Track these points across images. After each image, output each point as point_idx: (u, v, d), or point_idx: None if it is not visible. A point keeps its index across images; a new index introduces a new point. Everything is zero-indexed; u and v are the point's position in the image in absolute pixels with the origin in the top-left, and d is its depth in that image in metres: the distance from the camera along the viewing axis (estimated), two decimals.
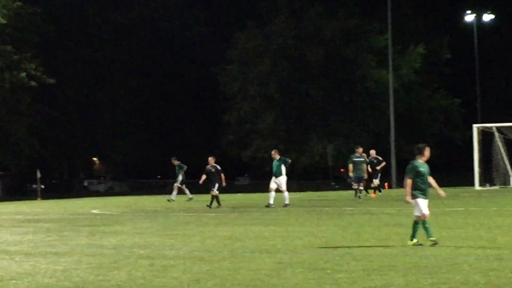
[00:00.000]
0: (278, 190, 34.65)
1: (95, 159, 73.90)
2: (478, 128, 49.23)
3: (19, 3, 60.71)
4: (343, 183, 67.49)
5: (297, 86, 71.11)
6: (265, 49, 70.13)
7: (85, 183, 72.50)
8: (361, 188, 38.44)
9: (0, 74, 59.67)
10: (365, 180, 39.82)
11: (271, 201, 33.38)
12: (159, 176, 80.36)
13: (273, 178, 34.21)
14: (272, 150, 48.05)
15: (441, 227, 19.23)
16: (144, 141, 73.94)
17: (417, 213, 13.60)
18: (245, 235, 19.05)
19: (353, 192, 40.33)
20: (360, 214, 27.71)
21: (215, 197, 34.41)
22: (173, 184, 42.32)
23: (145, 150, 75.69)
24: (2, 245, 17.72)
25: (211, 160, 35.83)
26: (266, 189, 47.91)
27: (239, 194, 45.97)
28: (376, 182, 39.68)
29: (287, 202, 33.75)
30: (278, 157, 34.63)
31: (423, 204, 13.42)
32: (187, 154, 60.24)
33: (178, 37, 79.57)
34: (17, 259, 14.02)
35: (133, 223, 25.38)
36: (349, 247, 15.12)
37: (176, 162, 40.91)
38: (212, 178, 34.83)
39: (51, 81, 60.18)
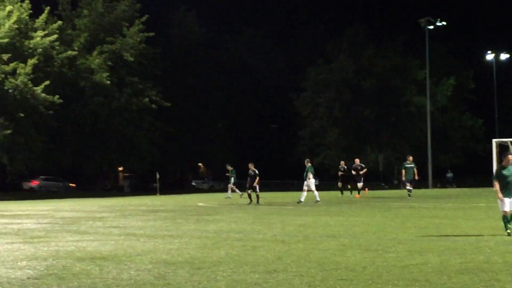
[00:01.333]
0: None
1: (200, 164, 75.02)
2: (496, 142, 47.78)
3: (144, 45, 63.11)
4: (391, 184, 68.83)
5: (355, 109, 75.56)
6: (331, 81, 73.90)
7: (193, 183, 72.93)
8: (411, 188, 37.44)
9: (129, 99, 62.34)
10: (353, 182, 39.83)
11: (302, 199, 32.63)
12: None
13: (305, 181, 34.13)
14: (340, 159, 51.59)
15: (468, 218, 20.11)
16: (236, 151, 74.76)
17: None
18: (315, 223, 19.28)
19: (403, 191, 41.71)
20: (404, 208, 27.61)
21: (256, 195, 33.29)
22: (231, 185, 40.84)
23: (237, 157, 77.54)
24: (130, 229, 18.42)
25: (250, 165, 34.80)
26: (331, 188, 51.53)
27: (309, 192, 44.40)
28: (360, 185, 38.30)
29: (317, 199, 32.99)
30: (309, 164, 34.51)
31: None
32: (268, 161, 63.23)
33: (263, 70, 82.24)
34: (141, 240, 14.80)
35: (230, 213, 25.80)
36: (396, 233, 15.50)
37: (230, 168, 40.40)
38: (253, 179, 34.12)
39: (167, 104, 62.77)
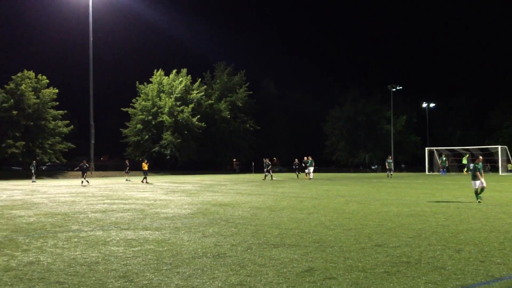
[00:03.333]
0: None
1: (274, 158, 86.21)
2: (427, 149, 61.69)
3: (247, 98, 79.65)
4: (373, 170, 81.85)
5: (354, 131, 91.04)
6: (342, 116, 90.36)
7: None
8: (391, 173, 46.57)
9: (238, 125, 78.71)
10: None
11: (311, 176, 41.62)
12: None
13: (311, 168, 42.14)
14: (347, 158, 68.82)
15: (413, 188, 23.90)
16: (293, 152, 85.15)
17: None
18: (332, 189, 22.76)
19: (381, 174, 52.04)
20: (380, 183, 32.20)
21: (271, 176, 41.04)
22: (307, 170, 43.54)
23: (295, 156, 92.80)
24: (239, 190, 23.04)
25: (265, 159, 42.17)
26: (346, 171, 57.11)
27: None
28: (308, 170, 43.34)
29: (311, 177, 41.14)
30: (310, 159, 42.92)
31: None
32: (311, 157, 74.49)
33: (306, 110, 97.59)
34: (244, 195, 20.06)
35: (289, 183, 29.72)
36: (374, 195, 20.87)
37: (267, 160, 42.54)
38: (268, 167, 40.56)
39: (258, 128, 79.81)
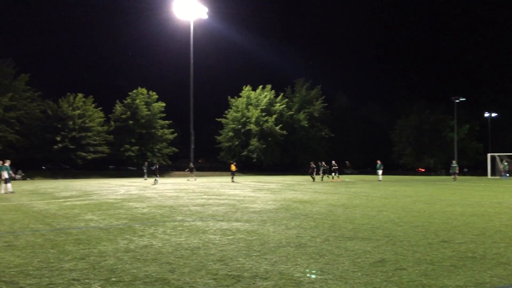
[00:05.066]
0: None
1: (347, 162, 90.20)
2: (489, 155, 58.10)
3: (322, 109, 79.19)
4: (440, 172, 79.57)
5: (420, 138, 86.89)
6: (408, 126, 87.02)
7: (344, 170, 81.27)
8: (456, 177, 41.76)
9: (315, 133, 78.26)
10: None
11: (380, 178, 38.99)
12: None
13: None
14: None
15: (478, 191, 20.94)
16: (364, 157, 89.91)
17: None
18: (400, 190, 21.62)
19: (446, 177, 46.57)
20: (446, 185, 28.31)
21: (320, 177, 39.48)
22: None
23: (365, 161, 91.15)
24: (316, 189, 22.51)
25: (312, 163, 41.17)
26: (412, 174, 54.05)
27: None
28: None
29: (380, 178, 39.24)
30: (379, 163, 40.87)
31: None
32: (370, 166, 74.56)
33: (378, 120, 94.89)
34: (322, 194, 19.63)
35: (360, 184, 28.97)
36: (439, 196, 19.25)
37: (312, 164, 41.40)
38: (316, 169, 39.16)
39: (332, 135, 79.12)
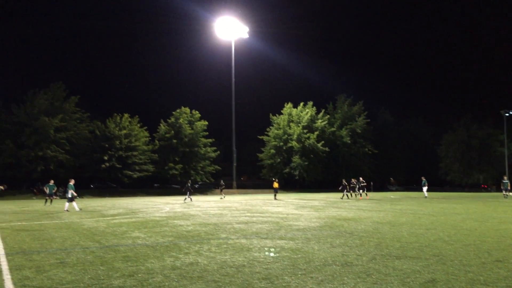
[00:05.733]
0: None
1: (391, 178, 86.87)
2: None
3: (365, 125, 77.87)
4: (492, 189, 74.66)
5: (468, 153, 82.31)
6: (455, 140, 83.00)
7: (388, 187, 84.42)
8: (507, 194, 38.94)
9: (358, 149, 76.57)
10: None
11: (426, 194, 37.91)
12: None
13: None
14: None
15: None
16: (404, 174, 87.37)
17: None
18: (448, 207, 21.12)
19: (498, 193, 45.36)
20: (497, 202, 27.14)
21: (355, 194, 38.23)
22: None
23: (411, 178, 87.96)
24: (360, 207, 22.09)
25: (344, 180, 40.08)
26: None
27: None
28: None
29: (426, 195, 37.84)
30: (424, 180, 39.64)
31: None
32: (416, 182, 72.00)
33: (422, 135, 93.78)
34: (365, 211, 19.24)
35: (406, 201, 27.88)
36: (490, 213, 18.53)
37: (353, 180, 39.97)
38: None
39: (375, 151, 77.36)
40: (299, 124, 70.40)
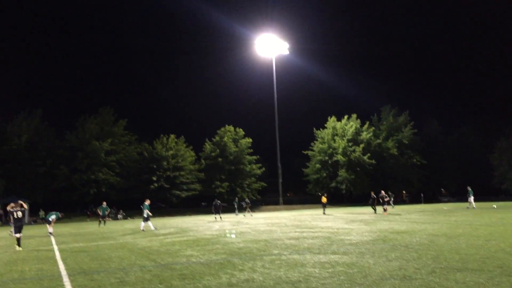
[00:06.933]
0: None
1: (442, 189, 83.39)
2: None
3: (412, 136, 75.12)
4: None
5: None
6: (510, 146, 77.58)
7: (440, 198, 79.59)
8: None
9: (406, 160, 73.96)
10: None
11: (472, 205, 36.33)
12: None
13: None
14: None
15: None
16: (455, 184, 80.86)
17: None
18: (506, 217, 20.90)
19: None
20: None
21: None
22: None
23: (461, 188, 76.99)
24: (412, 219, 21.56)
25: (372, 193, 38.12)
26: None
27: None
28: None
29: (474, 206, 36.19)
30: (470, 189, 38.01)
31: None
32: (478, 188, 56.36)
33: (467, 138, 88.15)
34: (418, 223, 18.68)
35: (460, 212, 27.00)
36: None
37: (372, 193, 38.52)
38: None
39: (424, 162, 75.07)
40: (344, 138, 69.59)
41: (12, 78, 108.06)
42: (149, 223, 23.46)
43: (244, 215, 40.38)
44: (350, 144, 69.08)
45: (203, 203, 73.45)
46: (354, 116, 72.80)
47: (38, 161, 56.00)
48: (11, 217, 16.04)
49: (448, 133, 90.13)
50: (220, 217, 36.07)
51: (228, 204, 59.05)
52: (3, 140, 55.39)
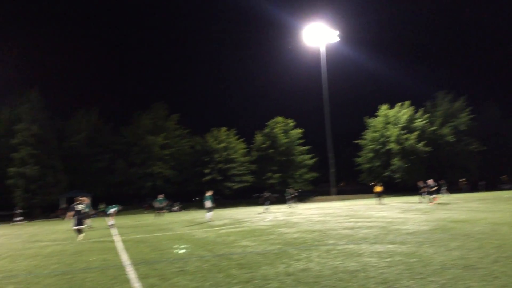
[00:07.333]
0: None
1: (504, 176, 75.55)
2: None
3: (469, 122, 72.58)
4: None
5: None
6: None
7: (502, 186, 74.42)
8: None
9: (460, 146, 71.00)
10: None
11: None
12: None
13: None
14: None
15: None
16: None
17: None
18: None
19: None
20: None
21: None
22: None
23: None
24: (470, 207, 20.59)
25: (421, 182, 35.84)
26: None
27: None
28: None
29: None
30: None
31: None
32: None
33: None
34: (478, 211, 17.89)
35: None
36: None
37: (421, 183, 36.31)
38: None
39: (484, 148, 71.74)
40: (396, 125, 67.75)
41: (70, 78, 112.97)
42: (210, 213, 24.08)
43: (290, 206, 40.37)
44: (403, 131, 67.13)
45: (255, 195, 74.04)
46: (407, 103, 70.77)
47: (97, 157, 58.52)
48: (73, 211, 16.90)
49: (509, 117, 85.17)
50: (269, 209, 36.01)
51: (279, 195, 59.20)
52: (64, 137, 58.15)
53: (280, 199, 51.50)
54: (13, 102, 56.32)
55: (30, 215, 49.89)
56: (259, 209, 40.09)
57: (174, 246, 6.19)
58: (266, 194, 37.12)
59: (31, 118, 52.43)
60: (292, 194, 44.22)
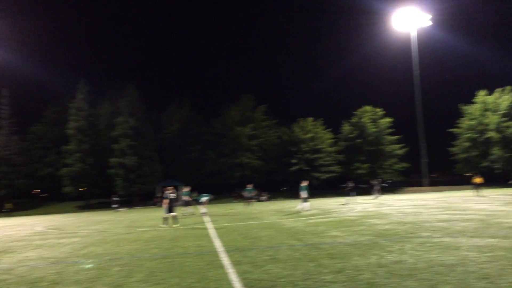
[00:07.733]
0: None
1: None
2: None
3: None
4: None
5: None
6: None
7: None
8: None
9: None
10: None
11: None
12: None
13: None
14: None
15: None
16: None
17: None
18: None
19: None
20: None
21: None
22: None
23: None
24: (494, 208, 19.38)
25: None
26: None
27: None
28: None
29: None
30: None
31: None
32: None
33: None
34: (508, 209, 17.15)
35: None
36: None
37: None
38: None
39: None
40: (496, 112, 63.06)
41: (164, 73, 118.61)
42: (306, 203, 23.95)
43: (376, 197, 39.37)
44: (504, 119, 62.26)
45: (342, 185, 73.11)
46: (508, 88, 65.37)
47: (188, 147, 61.19)
48: (168, 199, 17.97)
49: None
50: (352, 200, 35.47)
51: (368, 185, 57.89)
52: (158, 129, 61.47)
53: (366, 190, 50.40)
54: (113, 97, 60.50)
55: (130, 203, 53.44)
56: (344, 199, 39.55)
57: (81, 261, 6.44)
58: (350, 185, 36.46)
59: (129, 111, 56.02)
60: (376, 185, 43.50)
